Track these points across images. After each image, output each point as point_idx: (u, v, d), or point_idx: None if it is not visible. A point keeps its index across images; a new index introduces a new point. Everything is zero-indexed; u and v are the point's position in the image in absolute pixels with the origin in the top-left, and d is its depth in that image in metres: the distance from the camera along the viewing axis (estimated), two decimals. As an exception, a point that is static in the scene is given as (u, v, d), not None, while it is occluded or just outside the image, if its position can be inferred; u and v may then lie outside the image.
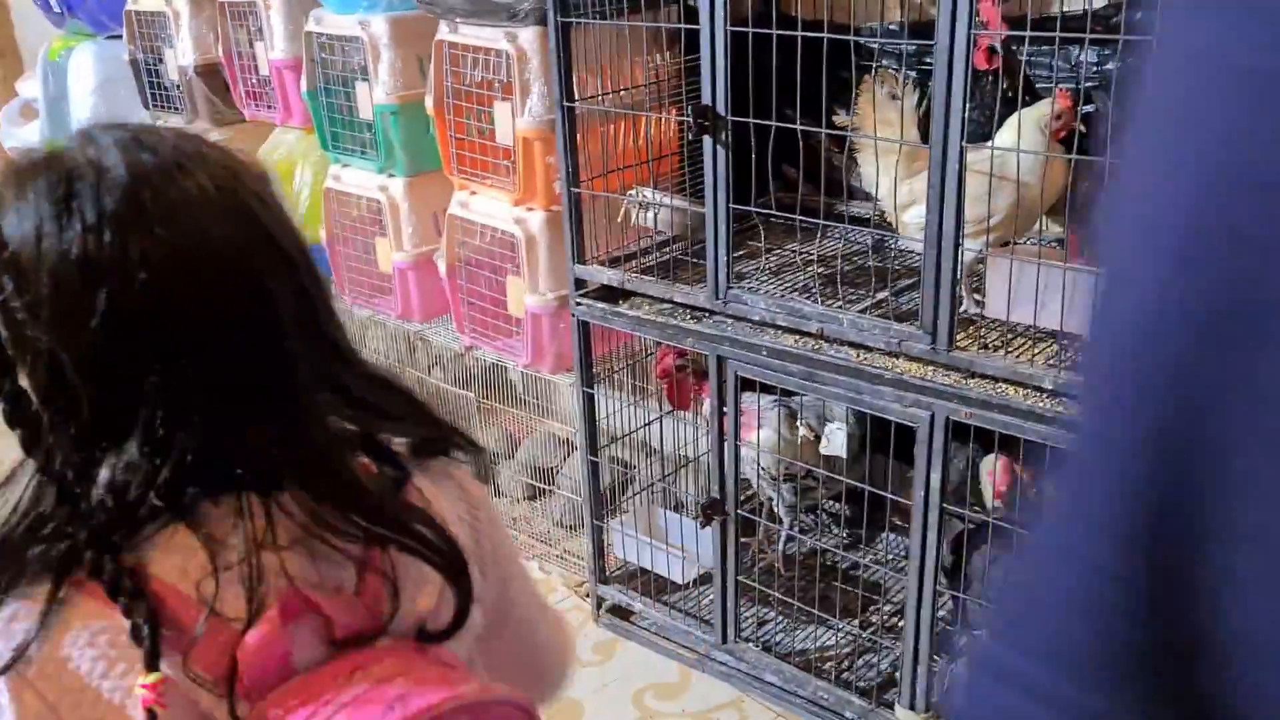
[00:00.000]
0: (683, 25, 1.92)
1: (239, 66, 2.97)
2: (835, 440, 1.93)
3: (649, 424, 2.38)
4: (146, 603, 0.70)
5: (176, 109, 3.18)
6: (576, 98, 2.01)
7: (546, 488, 2.78)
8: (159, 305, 0.70)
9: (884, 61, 2.04)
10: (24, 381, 0.73)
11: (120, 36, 3.41)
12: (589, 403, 2.25)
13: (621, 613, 2.40)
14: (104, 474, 0.71)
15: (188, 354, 0.71)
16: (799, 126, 1.72)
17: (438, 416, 0.85)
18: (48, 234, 0.69)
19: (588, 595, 2.48)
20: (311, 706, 0.71)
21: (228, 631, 0.71)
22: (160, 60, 3.18)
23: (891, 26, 2.12)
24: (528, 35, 2.11)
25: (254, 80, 2.95)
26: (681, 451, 2.45)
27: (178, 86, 3.12)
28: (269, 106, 2.94)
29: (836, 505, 2.43)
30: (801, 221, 1.82)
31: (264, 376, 0.74)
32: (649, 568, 2.30)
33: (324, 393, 0.77)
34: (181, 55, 3.06)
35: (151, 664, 0.69)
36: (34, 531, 0.72)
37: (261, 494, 0.74)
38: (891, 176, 1.69)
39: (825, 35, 1.68)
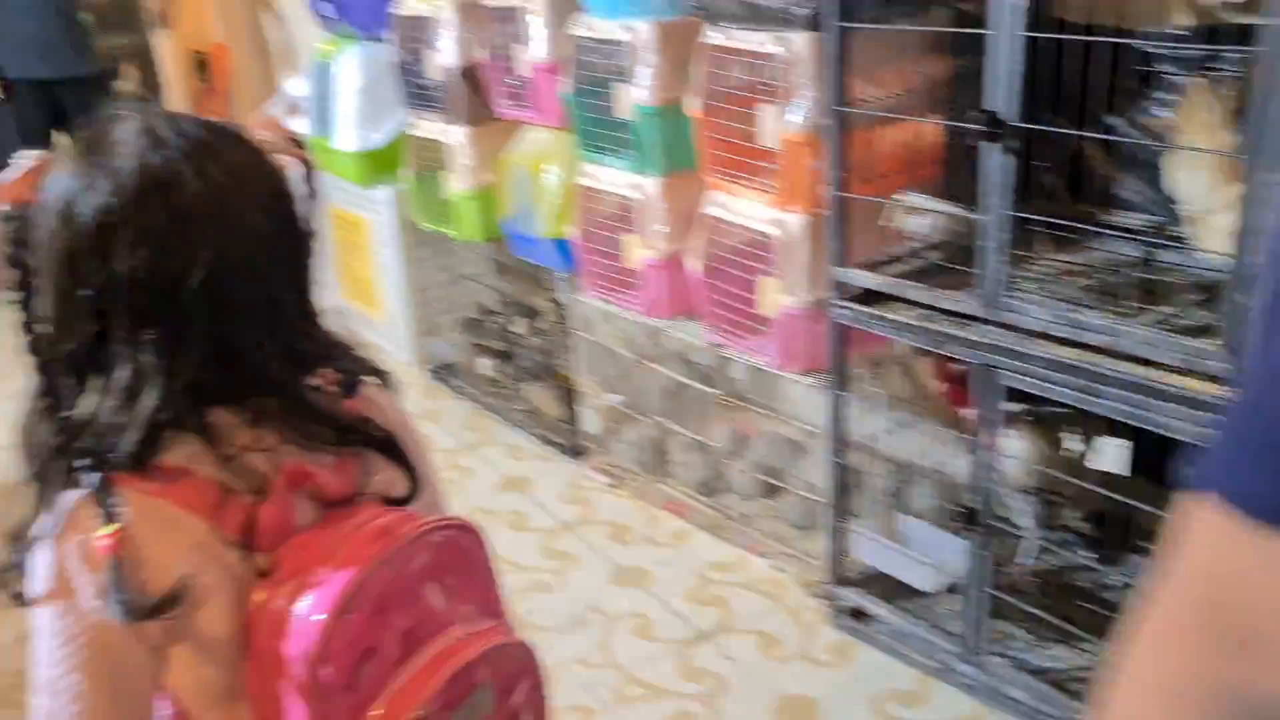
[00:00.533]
0: (968, 30, 1.90)
1: (498, 68, 3.10)
2: (1108, 455, 1.88)
3: (890, 430, 2.38)
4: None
5: (436, 107, 3.35)
6: (849, 103, 2.03)
7: (779, 485, 2.81)
8: (184, 254, 0.89)
9: (1166, 66, 1.98)
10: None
11: (383, 40, 3.62)
12: (839, 405, 2.26)
13: (859, 616, 2.40)
14: (124, 388, 0.89)
15: (205, 295, 0.89)
16: (1099, 135, 1.69)
17: (366, 358, 1.07)
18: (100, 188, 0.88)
19: (823, 596, 2.49)
20: (323, 546, 0.91)
21: (242, 503, 0.91)
22: (422, 61, 3.35)
23: (1177, 30, 2.05)
24: (799, 40, 2.14)
25: (511, 81, 3.08)
26: (915, 458, 2.44)
27: (439, 86, 3.29)
28: (524, 106, 3.06)
29: (1080, 521, 2.37)
30: (1079, 229, 1.79)
31: (259, 311, 0.93)
32: (891, 573, 2.30)
33: (295, 333, 0.97)
34: (444, 56, 3.22)
35: (109, 521, 0.87)
36: (75, 436, 0.90)
37: (248, 404, 0.94)
38: (1204, 182, 1.64)
39: (1117, 40, 1.65)
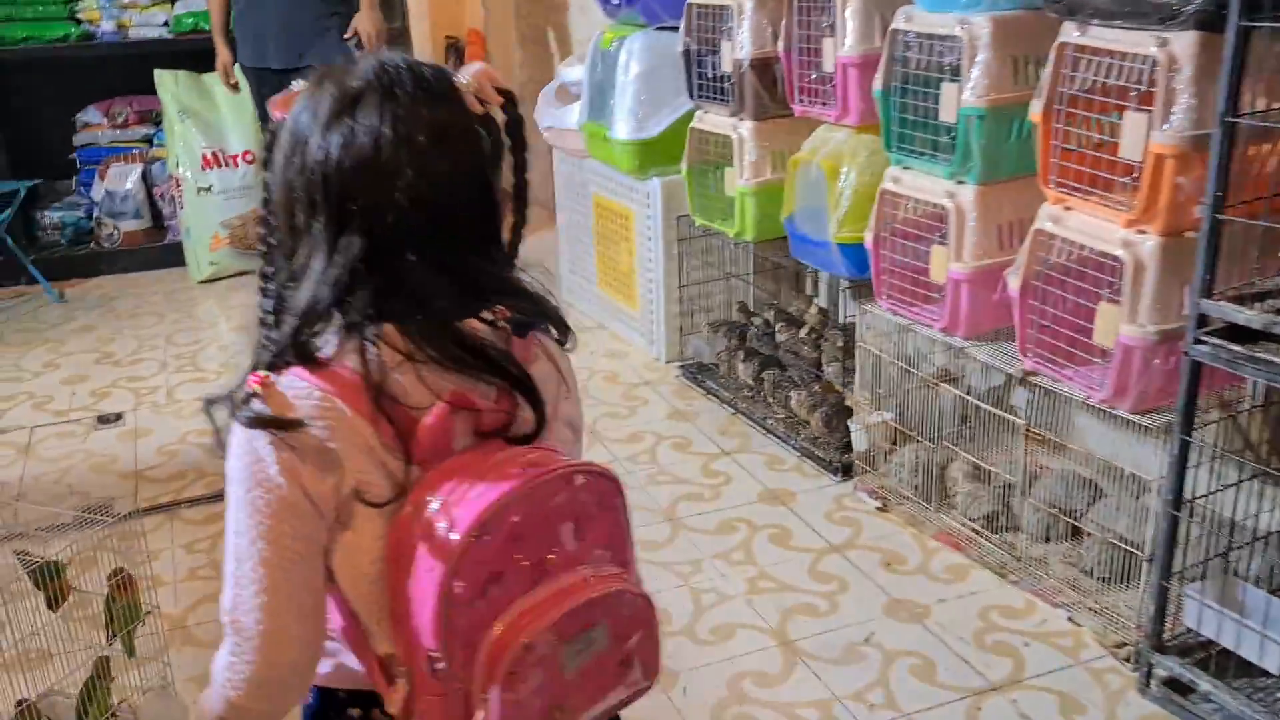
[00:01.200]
0: None
1: (798, 61, 2.96)
2: None
3: (1239, 484, 2.12)
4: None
5: (722, 100, 3.24)
6: (1243, 112, 1.79)
7: (1076, 527, 2.57)
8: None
9: None
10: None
11: (670, 28, 3.54)
12: (1183, 451, 2.02)
13: (1178, 688, 2.15)
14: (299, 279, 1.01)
15: (389, 213, 0.98)
16: None
17: (551, 308, 1.11)
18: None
19: (1131, 660, 2.24)
20: (472, 470, 0.98)
21: (406, 415, 0.98)
22: (713, 51, 3.25)
23: None
24: (1183, 40, 1.91)
25: (812, 76, 2.93)
26: (1244, 519, 2.17)
27: (728, 78, 3.18)
28: (824, 103, 2.91)
29: None
30: None
31: (437, 240, 1.01)
32: (1229, 646, 2.04)
33: (470, 267, 1.03)
34: (738, 48, 3.11)
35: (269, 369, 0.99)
36: (263, 321, 1.04)
37: (414, 322, 1.00)
38: None
39: None
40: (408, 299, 0.99)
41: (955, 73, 2.39)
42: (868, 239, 2.72)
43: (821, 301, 3.75)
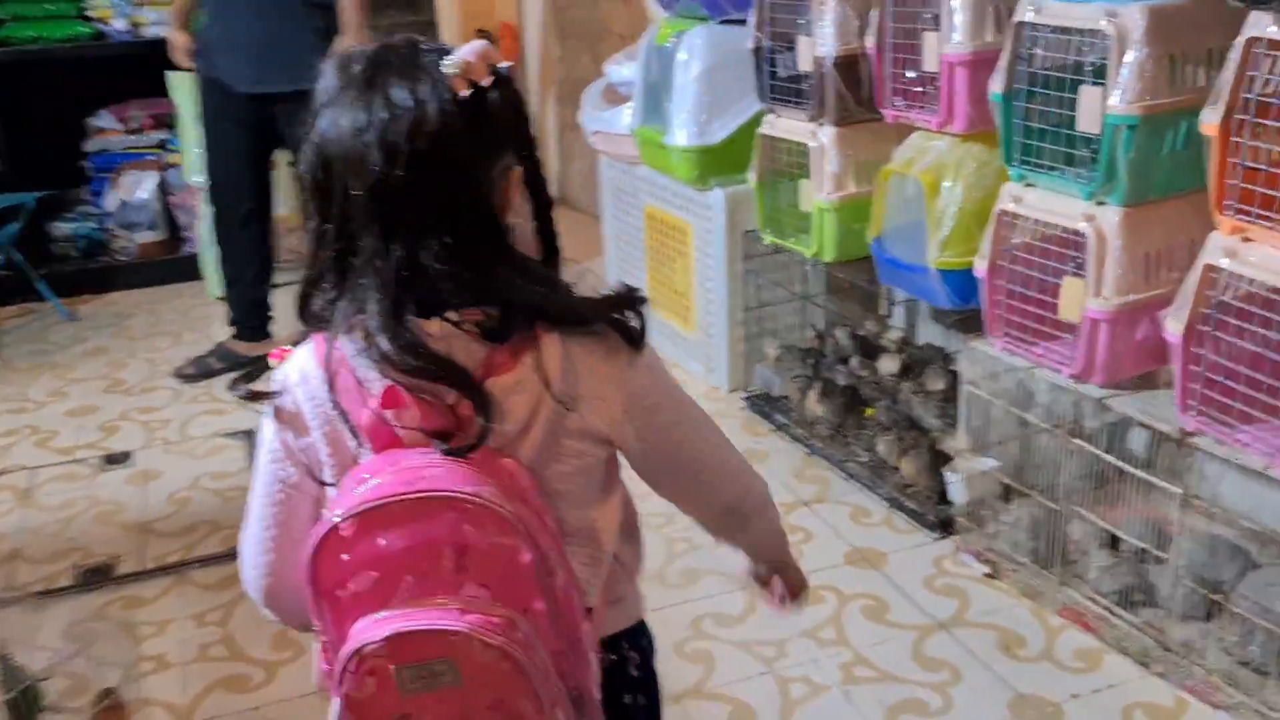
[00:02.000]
0: None
1: (893, 59, 2.58)
2: None
3: None
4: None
5: (798, 102, 2.86)
6: None
7: (1221, 604, 2.18)
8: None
9: None
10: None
11: (736, 22, 3.16)
12: None
13: (1388, 826, 1.76)
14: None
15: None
16: None
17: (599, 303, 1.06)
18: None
19: (1321, 783, 1.86)
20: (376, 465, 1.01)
21: (367, 396, 1.02)
22: (787, 48, 2.87)
23: None
24: None
25: (908, 76, 2.55)
26: None
27: (806, 78, 2.79)
28: (924, 106, 2.53)
29: None
30: None
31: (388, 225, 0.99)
32: None
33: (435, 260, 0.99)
34: (820, 44, 2.72)
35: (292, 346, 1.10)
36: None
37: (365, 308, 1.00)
38: None
39: None
40: (354, 291, 0.99)
41: (1099, 74, 2.00)
42: (979, 266, 2.33)
43: (899, 324, 3.36)
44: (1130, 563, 2.34)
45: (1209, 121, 1.79)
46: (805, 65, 2.78)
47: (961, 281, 2.51)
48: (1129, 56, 1.95)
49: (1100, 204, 2.09)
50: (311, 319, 1.04)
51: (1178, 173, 2.07)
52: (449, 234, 0.97)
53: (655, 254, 3.69)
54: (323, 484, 1.07)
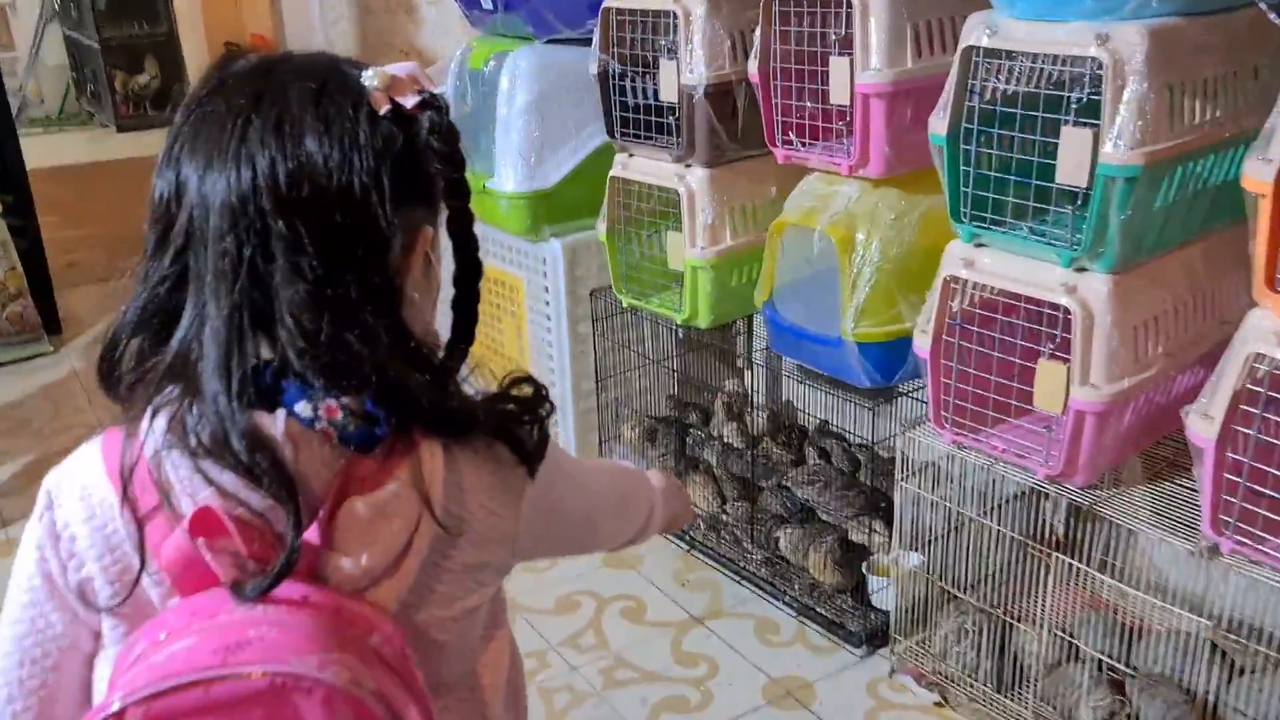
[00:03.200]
0: None
1: (781, 89, 2.12)
2: None
3: None
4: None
5: (655, 139, 2.36)
6: None
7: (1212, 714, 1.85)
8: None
9: None
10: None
11: (567, 41, 2.64)
12: None
13: None
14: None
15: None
16: None
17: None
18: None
19: None
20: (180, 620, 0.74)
21: (168, 515, 0.77)
22: (643, 72, 2.37)
23: None
24: None
25: (806, 110, 2.10)
26: None
27: (670, 110, 2.30)
28: (830, 147, 2.08)
29: None
30: None
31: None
32: None
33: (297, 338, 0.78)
34: (688, 70, 2.24)
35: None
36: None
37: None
38: None
39: None
40: (179, 359, 0.77)
41: (1087, 112, 1.60)
42: (920, 344, 1.90)
43: (756, 379, 2.93)
44: (1100, 674, 1.97)
45: (1259, 177, 1.40)
46: (669, 95, 2.29)
47: (884, 356, 2.10)
48: (1129, 90, 1.55)
49: (1080, 270, 1.69)
50: (115, 385, 0.81)
51: (1168, 228, 1.70)
52: (320, 301, 0.76)
53: (485, 315, 3.11)
54: (99, 638, 0.81)
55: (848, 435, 2.68)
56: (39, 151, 4.18)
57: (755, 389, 2.92)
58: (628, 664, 2.23)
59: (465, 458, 0.84)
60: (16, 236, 3.83)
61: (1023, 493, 2.12)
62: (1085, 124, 1.60)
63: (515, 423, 0.88)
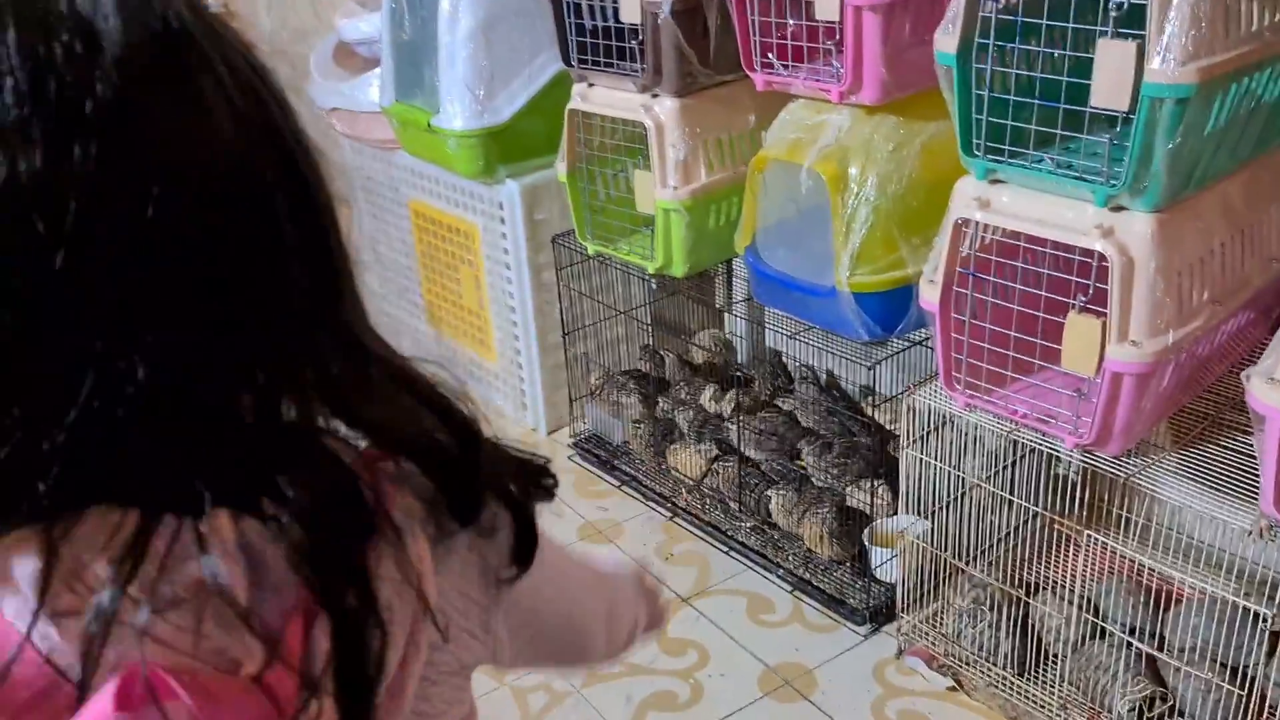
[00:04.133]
0: None
1: (758, 5, 1.84)
2: None
3: None
4: None
5: (620, 67, 2.08)
6: None
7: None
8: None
9: None
10: None
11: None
12: None
13: None
14: None
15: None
16: None
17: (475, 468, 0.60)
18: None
19: None
20: None
21: (64, 696, 0.48)
22: (600, -8, 2.08)
23: None
24: None
25: (789, 28, 1.83)
26: None
27: (634, 33, 2.02)
28: (818, 70, 1.82)
29: None
30: None
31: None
32: None
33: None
34: (651, -16, 1.96)
35: None
36: None
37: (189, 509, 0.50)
38: None
39: None
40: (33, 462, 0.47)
41: (1128, 22, 1.34)
42: (928, 296, 1.66)
43: (737, 328, 2.69)
44: (1126, 656, 1.77)
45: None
46: (631, 16, 2.00)
47: (883, 306, 1.86)
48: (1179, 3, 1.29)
49: (1118, 210, 1.45)
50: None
51: (1217, 157, 1.46)
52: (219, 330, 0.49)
53: (431, 261, 2.85)
54: None
55: (841, 389, 2.45)
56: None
57: (738, 338, 2.68)
58: (608, 655, 2.01)
59: (461, 541, 0.62)
60: None
61: (1035, 448, 1.91)
62: (1127, 35, 1.34)
63: (521, 499, 0.64)
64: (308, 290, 0.52)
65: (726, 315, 2.76)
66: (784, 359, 2.60)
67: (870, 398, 2.37)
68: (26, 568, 0.48)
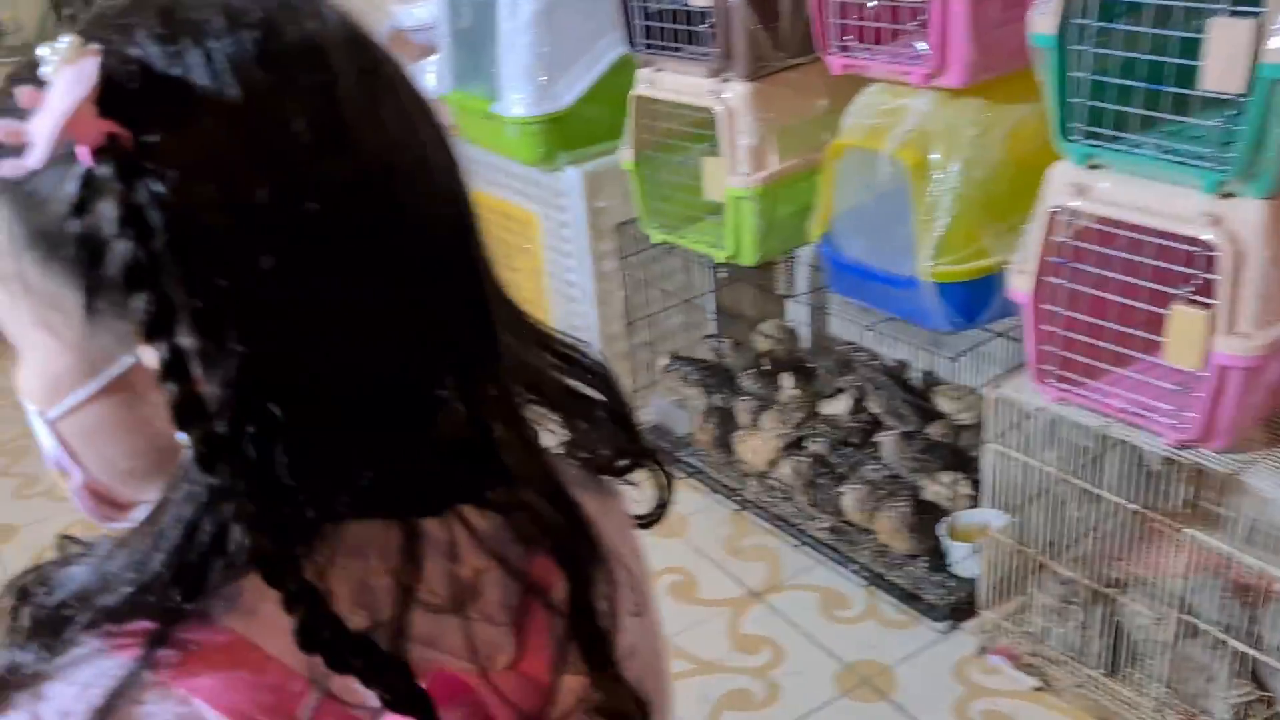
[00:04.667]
0: None
1: (837, -16, 1.79)
2: None
3: None
4: None
5: (689, 52, 2.03)
6: None
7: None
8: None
9: None
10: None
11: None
12: None
13: None
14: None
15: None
16: None
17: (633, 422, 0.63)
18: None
19: None
20: None
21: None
22: (667, -26, 2.03)
23: None
24: None
25: (870, 7, 1.77)
26: None
27: (703, 16, 1.97)
28: (901, 53, 1.76)
29: None
30: None
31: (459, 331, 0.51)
32: None
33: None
34: (722, -34, 1.90)
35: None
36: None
37: (433, 511, 0.51)
38: None
39: None
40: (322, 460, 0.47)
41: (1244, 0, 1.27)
42: (1019, 286, 1.60)
43: (800, 315, 2.64)
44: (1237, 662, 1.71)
45: None
46: (701, -1, 1.95)
47: (966, 296, 1.80)
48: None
49: (1228, 196, 1.38)
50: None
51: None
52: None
53: (497, 254, 2.81)
54: None
55: (914, 378, 2.39)
56: None
57: (801, 325, 2.62)
58: (683, 652, 1.98)
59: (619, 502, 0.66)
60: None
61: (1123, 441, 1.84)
62: (1243, 13, 1.28)
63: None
64: (498, 292, 0.55)
65: (789, 302, 2.71)
66: (851, 347, 2.55)
67: (938, 387, 2.32)
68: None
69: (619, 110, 2.22)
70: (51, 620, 0.48)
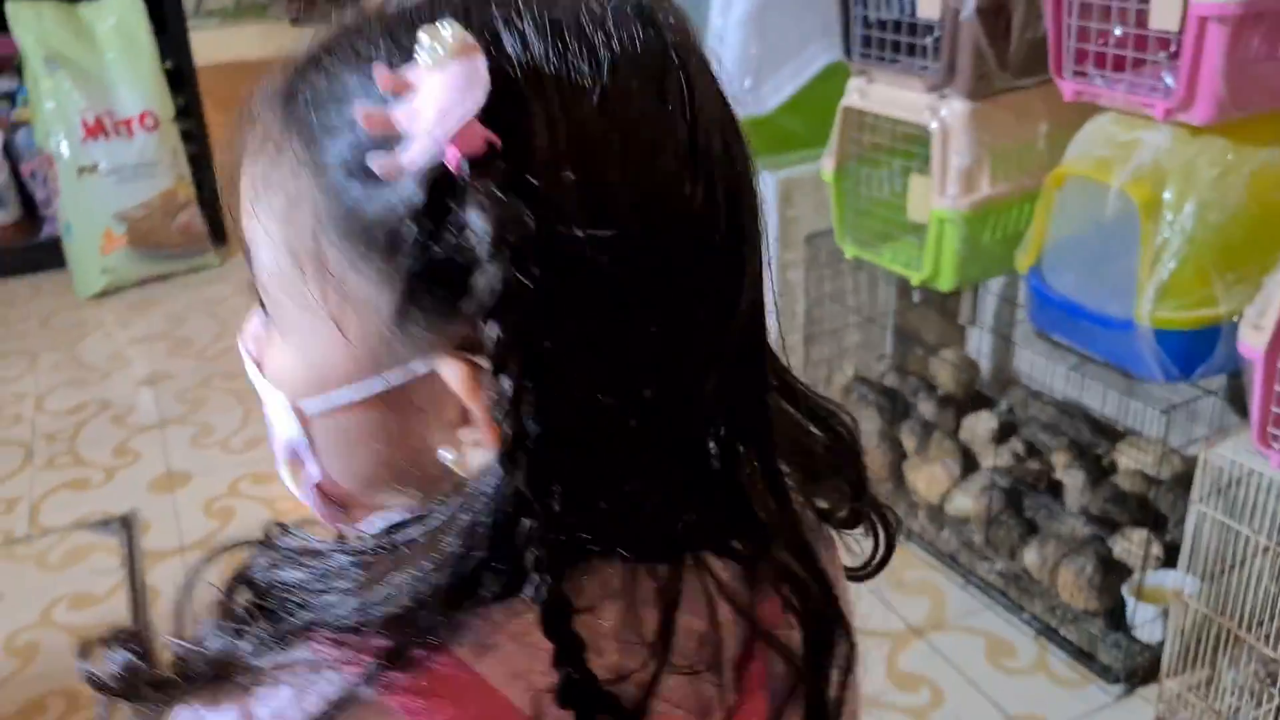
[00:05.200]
0: None
1: (1077, 8, 1.70)
2: None
3: None
4: None
5: (909, 64, 1.97)
6: None
7: None
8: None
9: None
10: None
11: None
12: None
13: None
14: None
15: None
16: None
17: (865, 474, 0.61)
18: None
19: None
20: None
21: None
22: (894, -17, 1.97)
23: None
24: None
25: (1115, 34, 1.68)
26: None
27: (930, 28, 1.90)
28: (1143, 81, 1.66)
29: None
30: None
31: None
32: None
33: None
34: (956, -21, 1.83)
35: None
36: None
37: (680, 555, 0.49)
38: None
39: None
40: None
41: None
42: (1251, 342, 1.50)
43: (981, 346, 2.54)
44: None
45: None
46: (929, 11, 1.89)
47: (1186, 346, 1.69)
48: None
49: None
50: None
51: None
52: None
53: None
54: None
55: (1106, 425, 2.28)
56: (210, 47, 3.99)
57: (982, 357, 2.53)
58: (836, 681, 1.92)
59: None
60: (186, 142, 3.68)
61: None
62: None
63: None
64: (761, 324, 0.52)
65: (971, 331, 2.62)
66: (1037, 388, 2.44)
67: (1129, 437, 2.20)
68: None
69: (816, 119, 2.18)
70: (270, 615, 0.47)
